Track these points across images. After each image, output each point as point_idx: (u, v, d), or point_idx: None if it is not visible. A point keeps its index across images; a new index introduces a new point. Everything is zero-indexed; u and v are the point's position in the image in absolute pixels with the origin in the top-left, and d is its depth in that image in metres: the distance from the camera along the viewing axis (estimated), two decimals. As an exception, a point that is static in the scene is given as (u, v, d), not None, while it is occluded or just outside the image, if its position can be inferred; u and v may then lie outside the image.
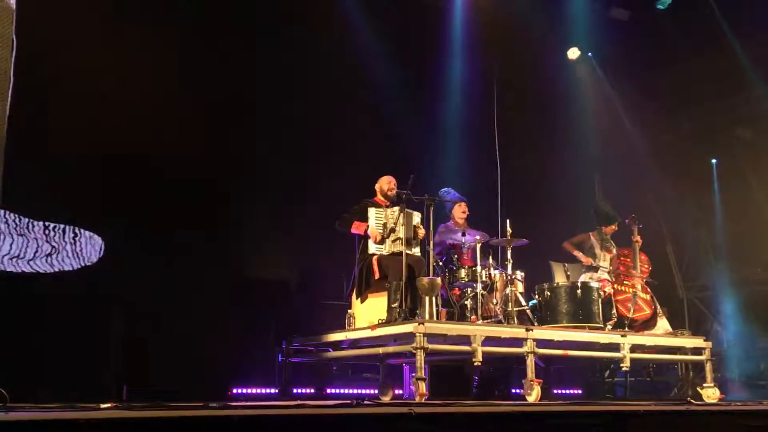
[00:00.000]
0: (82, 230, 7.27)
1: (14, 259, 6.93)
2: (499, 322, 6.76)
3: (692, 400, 5.75)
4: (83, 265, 7.25)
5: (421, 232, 6.75)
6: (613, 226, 8.24)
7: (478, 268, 6.95)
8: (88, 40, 7.14)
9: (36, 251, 7.04)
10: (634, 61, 10.42)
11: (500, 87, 10.08)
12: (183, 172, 7.64)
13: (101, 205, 7.25)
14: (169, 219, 7.47)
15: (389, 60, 9.19)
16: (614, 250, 8.17)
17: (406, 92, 9.35)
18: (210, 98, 7.91)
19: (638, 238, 7.98)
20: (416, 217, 6.80)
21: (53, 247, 7.12)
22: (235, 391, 7.38)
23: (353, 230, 6.78)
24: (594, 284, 7.17)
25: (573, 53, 10.92)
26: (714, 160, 10.77)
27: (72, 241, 7.24)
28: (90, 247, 7.33)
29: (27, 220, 7.04)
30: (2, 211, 6.82)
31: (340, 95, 8.82)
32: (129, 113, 7.23)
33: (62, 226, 7.19)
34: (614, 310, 7.51)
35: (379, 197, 7.06)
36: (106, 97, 7.18)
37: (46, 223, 7.12)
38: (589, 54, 10.97)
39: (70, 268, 7.20)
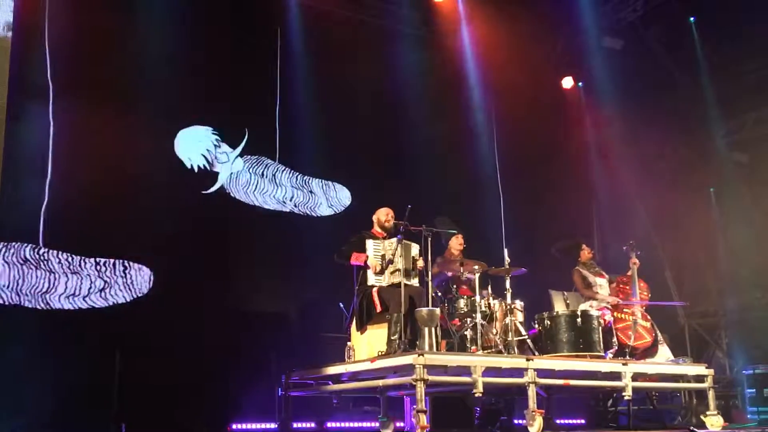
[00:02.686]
0: (130, 263, 7.44)
1: (70, 297, 7.06)
2: (500, 352, 6.73)
3: (695, 429, 5.71)
4: (135, 296, 7.42)
5: (420, 263, 6.74)
6: (584, 251, 8.22)
7: (477, 298, 6.92)
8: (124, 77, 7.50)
9: (90, 287, 7.19)
10: (629, 88, 10.51)
11: (498, 117, 10.19)
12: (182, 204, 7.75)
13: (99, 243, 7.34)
14: (166, 253, 7.49)
15: (383, 91, 9.31)
16: (605, 273, 8.15)
17: (406, 123, 9.47)
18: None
19: (636, 263, 7.96)
20: (414, 249, 6.79)
21: (105, 281, 7.28)
22: (234, 426, 7.31)
23: (353, 261, 6.77)
24: (594, 312, 7.14)
25: (567, 82, 11.06)
26: (711, 189, 10.78)
27: (123, 274, 7.42)
28: (140, 278, 7.50)
29: (79, 257, 7.18)
30: (55, 252, 7.02)
31: (343, 124, 8.93)
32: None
33: (112, 260, 7.37)
34: (615, 339, 7.47)
35: (377, 229, 7.06)
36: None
37: (97, 259, 7.28)
38: (579, 84, 11.12)
39: (123, 301, 7.38)
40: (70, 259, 7.15)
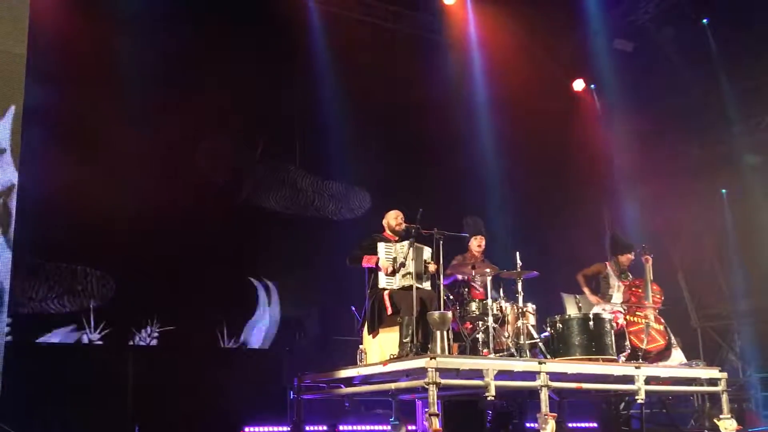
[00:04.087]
0: (93, 270, 7.33)
1: (29, 301, 7.00)
2: (512, 355, 6.72)
3: (709, 433, 5.68)
4: (97, 304, 7.34)
5: (432, 267, 6.74)
6: (630, 255, 8.20)
7: (489, 301, 6.92)
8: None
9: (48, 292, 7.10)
10: (640, 90, 10.49)
11: (510, 119, 10.20)
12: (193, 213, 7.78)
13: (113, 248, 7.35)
14: (180, 257, 7.52)
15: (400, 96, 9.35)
16: (629, 281, 8.10)
17: (423, 126, 9.50)
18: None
19: (648, 260, 7.92)
20: (426, 252, 6.79)
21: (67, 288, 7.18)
22: (247, 429, 7.33)
23: (364, 264, 6.76)
24: (606, 315, 7.10)
25: (579, 85, 11.05)
26: (724, 191, 10.73)
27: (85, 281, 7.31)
28: (101, 286, 7.39)
29: (40, 261, 7.11)
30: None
31: (362, 128, 8.96)
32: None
33: (75, 266, 7.25)
34: (627, 342, 7.43)
35: (388, 232, 7.06)
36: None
37: (58, 264, 7.17)
38: (592, 86, 11.10)
39: (87, 307, 7.29)
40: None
